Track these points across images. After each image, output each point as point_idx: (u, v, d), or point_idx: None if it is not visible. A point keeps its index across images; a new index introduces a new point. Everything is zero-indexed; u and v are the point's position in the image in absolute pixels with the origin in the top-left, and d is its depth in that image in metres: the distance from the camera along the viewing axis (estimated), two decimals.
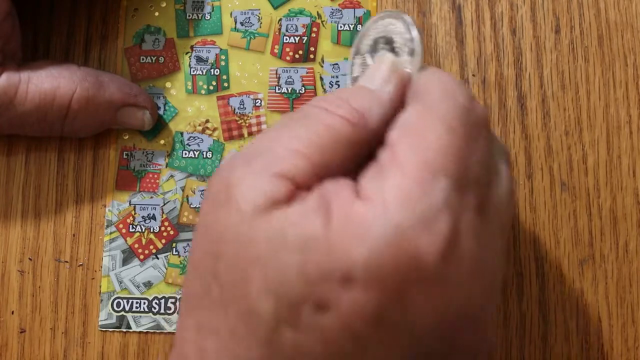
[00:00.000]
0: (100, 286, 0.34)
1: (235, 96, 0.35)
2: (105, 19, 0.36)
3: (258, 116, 0.35)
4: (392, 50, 0.28)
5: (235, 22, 0.36)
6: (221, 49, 0.36)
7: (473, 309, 0.23)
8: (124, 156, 0.35)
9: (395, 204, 0.21)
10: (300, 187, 0.23)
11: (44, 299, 0.34)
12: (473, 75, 0.35)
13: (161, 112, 0.35)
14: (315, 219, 0.21)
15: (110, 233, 0.34)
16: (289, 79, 0.35)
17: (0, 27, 0.31)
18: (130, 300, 0.34)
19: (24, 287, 0.34)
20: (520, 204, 0.34)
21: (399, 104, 0.25)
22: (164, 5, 0.36)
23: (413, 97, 0.25)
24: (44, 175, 0.35)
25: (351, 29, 0.36)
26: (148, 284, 0.34)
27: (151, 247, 0.34)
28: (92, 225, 0.34)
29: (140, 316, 0.33)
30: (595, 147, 0.34)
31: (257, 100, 0.35)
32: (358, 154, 0.24)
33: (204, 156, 0.35)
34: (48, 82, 0.31)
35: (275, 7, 0.36)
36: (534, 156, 0.34)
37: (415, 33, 0.27)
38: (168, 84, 0.35)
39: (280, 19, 0.36)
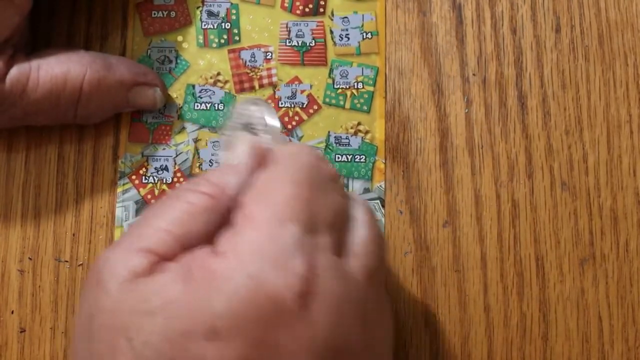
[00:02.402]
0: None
1: (246, 49, 0.36)
2: (105, 19, 0.36)
3: (269, 69, 0.35)
4: (254, 134, 0.30)
5: None
6: (232, 3, 0.36)
7: (346, 342, 0.23)
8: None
9: (249, 254, 0.23)
10: (165, 258, 0.24)
11: (44, 299, 0.34)
12: (473, 74, 0.35)
13: (173, 65, 0.35)
14: (175, 283, 0.23)
15: (123, 184, 0.34)
16: (299, 32, 0.36)
17: (20, 23, 0.31)
18: None
19: (24, 286, 0.34)
20: (521, 203, 0.34)
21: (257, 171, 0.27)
22: None
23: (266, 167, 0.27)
24: (44, 174, 0.35)
25: None
26: None
27: None
28: (92, 225, 0.34)
29: None
30: (595, 147, 0.34)
31: (267, 53, 0.36)
32: (221, 220, 0.25)
33: (216, 108, 0.35)
34: (58, 67, 0.31)
35: None
36: (534, 155, 0.34)
37: (272, 113, 0.29)
38: (179, 38, 0.36)
39: None
